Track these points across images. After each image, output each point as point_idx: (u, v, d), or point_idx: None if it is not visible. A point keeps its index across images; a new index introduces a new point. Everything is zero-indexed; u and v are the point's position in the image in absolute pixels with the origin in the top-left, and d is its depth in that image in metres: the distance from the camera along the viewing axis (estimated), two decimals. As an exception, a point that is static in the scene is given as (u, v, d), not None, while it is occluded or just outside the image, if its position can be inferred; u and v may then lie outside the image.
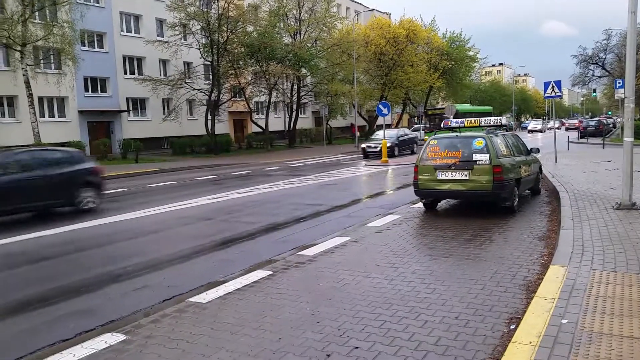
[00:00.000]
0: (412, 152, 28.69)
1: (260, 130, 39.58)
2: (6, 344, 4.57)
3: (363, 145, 28.36)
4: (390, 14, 63.21)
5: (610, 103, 73.37)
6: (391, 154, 25.71)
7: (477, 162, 8.93)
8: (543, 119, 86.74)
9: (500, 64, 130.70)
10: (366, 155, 27.30)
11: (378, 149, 25.76)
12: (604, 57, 45.08)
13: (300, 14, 40.00)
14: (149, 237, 8.98)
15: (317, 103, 46.21)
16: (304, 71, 39.26)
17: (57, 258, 7.63)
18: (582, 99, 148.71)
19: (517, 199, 9.49)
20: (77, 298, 5.70)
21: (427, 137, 33.22)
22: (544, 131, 63.80)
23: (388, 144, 25.14)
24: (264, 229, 9.20)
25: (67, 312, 5.28)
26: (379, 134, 28.03)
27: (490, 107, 54.00)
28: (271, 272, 6.05)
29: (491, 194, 8.92)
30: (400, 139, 28.39)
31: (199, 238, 8.63)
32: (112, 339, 4.30)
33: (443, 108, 38.70)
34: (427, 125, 40.23)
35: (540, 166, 12.08)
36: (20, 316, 5.25)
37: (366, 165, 22.86)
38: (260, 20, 35.60)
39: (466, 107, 45.63)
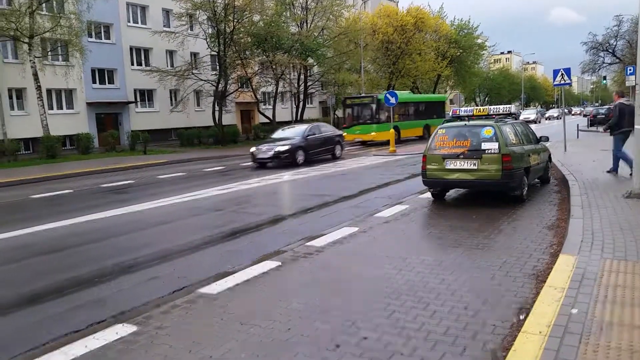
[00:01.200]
0: (334, 157, 21.04)
1: (268, 120, 39.52)
2: (20, 334, 4.63)
3: (252, 150, 19.46)
4: (398, 1, 62.74)
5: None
6: (291, 161, 18.56)
7: (486, 151, 8.88)
8: (550, 107, 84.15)
9: (509, 52, 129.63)
10: (258, 163, 18.97)
11: (270, 154, 18.50)
12: (614, 43, 44.60)
13: (306, 2, 39.73)
14: (158, 229, 9.03)
15: (324, 93, 46.10)
16: (310, 61, 39.07)
17: (68, 249, 7.70)
18: (591, 86, 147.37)
19: (526, 188, 9.43)
20: (88, 289, 5.75)
21: (345, 133, 27.08)
22: (538, 122, 52.97)
23: (286, 147, 18.53)
24: (272, 220, 9.22)
25: (78, 303, 5.33)
26: (283, 131, 21.13)
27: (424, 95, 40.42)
28: (280, 263, 6.07)
29: (500, 183, 8.87)
30: (310, 138, 19.82)
31: (208, 229, 8.67)
32: (123, 329, 4.34)
33: (370, 96, 30.53)
34: (349, 117, 30.60)
35: (550, 155, 11.99)
36: (33, 307, 5.31)
37: (374, 155, 22.79)
38: (266, 10, 35.38)
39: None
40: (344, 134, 26.72)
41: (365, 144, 30.01)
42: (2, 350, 4.29)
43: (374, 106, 29.36)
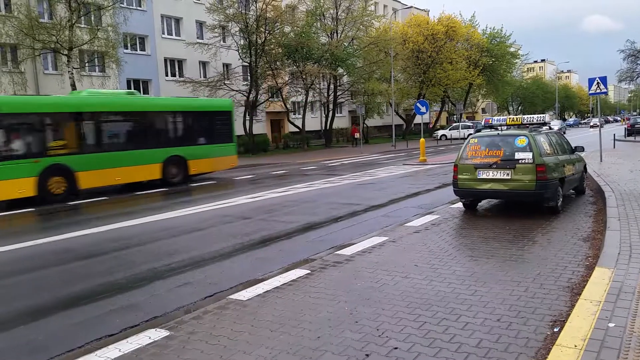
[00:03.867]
0: None
1: (297, 130, 39.81)
2: (58, 336, 4.77)
3: None
4: (429, 10, 62.55)
5: (660, 99, 69.70)
6: None
7: (520, 161, 8.73)
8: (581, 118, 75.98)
9: (543, 60, 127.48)
10: None
11: None
12: (653, 51, 43.26)
13: (337, 13, 39.98)
14: (190, 235, 9.17)
15: (354, 102, 46.16)
16: (340, 70, 39.25)
17: (102, 255, 7.88)
18: (629, 95, 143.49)
19: (561, 199, 9.23)
20: (122, 294, 5.88)
21: None
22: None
23: None
24: (301, 228, 9.26)
25: (112, 308, 5.45)
26: None
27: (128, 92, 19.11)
28: (309, 271, 6.08)
29: (534, 193, 8.70)
30: None
31: (238, 237, 8.76)
32: (156, 334, 4.42)
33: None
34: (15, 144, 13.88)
35: (585, 165, 11.72)
36: (68, 311, 5.45)
37: (404, 164, 22.66)
38: (297, 21, 35.79)
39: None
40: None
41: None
42: (42, 351, 4.44)
43: None
